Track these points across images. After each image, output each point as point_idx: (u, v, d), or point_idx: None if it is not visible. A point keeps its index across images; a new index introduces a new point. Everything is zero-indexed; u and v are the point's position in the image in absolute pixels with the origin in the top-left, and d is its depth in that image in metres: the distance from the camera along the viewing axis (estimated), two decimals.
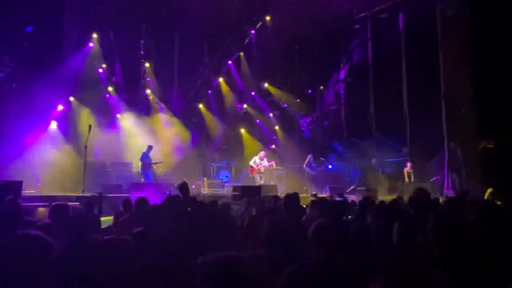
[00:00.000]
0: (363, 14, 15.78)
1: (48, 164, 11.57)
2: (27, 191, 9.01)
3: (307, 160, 13.91)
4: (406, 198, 7.06)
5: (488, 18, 10.62)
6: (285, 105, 17.88)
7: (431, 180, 12.55)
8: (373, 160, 14.59)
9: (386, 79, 14.87)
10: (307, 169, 13.81)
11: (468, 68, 11.51)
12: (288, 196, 4.86)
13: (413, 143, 13.76)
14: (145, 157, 12.82)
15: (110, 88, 14.59)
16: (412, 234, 2.77)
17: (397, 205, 4.84)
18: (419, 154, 13.10)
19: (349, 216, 4.88)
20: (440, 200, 6.54)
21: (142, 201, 5.24)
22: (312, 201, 5.02)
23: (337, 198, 8.01)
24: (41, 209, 6.90)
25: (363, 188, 12.63)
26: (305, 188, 13.16)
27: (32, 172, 11.09)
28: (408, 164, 12.62)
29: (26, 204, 6.90)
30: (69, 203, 7.04)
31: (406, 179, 12.44)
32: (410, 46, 14.08)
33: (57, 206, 4.07)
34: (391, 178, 13.86)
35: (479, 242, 2.48)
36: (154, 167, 13.08)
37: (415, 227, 2.82)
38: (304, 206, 5.29)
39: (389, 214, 3.66)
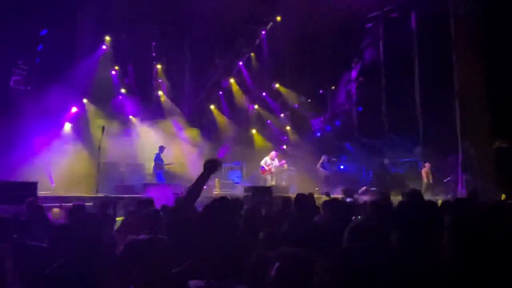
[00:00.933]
0: (374, 13, 15.69)
1: (62, 165, 11.74)
2: (42, 192, 9.16)
3: (321, 161, 13.87)
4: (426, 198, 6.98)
5: (501, 16, 10.48)
6: (296, 106, 17.84)
7: (444, 180, 12.41)
8: (386, 160, 14.47)
9: (398, 79, 14.76)
10: (320, 169, 13.77)
11: (482, 67, 11.36)
12: (299, 196, 4.87)
13: (426, 143, 13.63)
14: (157, 158, 12.94)
15: (122, 90, 14.74)
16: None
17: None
18: (432, 154, 12.97)
19: (359, 217, 4.85)
20: (439, 201, 6.39)
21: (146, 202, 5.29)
22: (324, 202, 5.01)
23: (346, 199, 7.96)
24: (55, 209, 6.99)
25: (376, 188, 12.53)
26: (316, 188, 13.12)
27: (47, 173, 11.27)
28: (427, 165, 12.48)
29: (42, 204, 7.02)
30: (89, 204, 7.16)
31: (425, 180, 12.30)
32: (422, 45, 13.96)
33: (75, 207, 4.14)
34: (404, 178, 13.73)
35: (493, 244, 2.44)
36: (167, 168, 13.17)
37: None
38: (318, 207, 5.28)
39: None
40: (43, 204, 7.10)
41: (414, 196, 4.02)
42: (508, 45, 10.24)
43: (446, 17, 12.67)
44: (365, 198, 9.62)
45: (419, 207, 3.71)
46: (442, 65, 12.73)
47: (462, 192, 11.19)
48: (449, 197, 9.40)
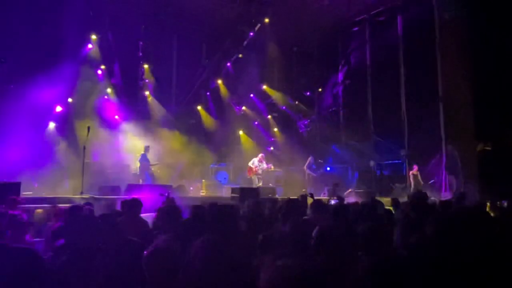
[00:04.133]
0: (361, 17, 15.82)
1: (46, 166, 11.54)
2: (25, 193, 8.98)
3: (307, 162, 13.94)
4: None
5: (486, 21, 10.68)
6: (284, 107, 17.90)
7: (429, 182, 12.59)
8: (371, 163, 14.61)
9: (384, 82, 14.91)
10: (307, 170, 13.84)
11: (466, 71, 11.56)
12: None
13: (411, 145, 13.80)
14: (143, 159, 12.83)
15: (108, 90, 14.57)
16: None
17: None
18: (417, 157, 13.14)
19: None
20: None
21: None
22: (312, 203, 5.03)
23: (331, 202, 8.00)
24: (38, 210, 6.87)
25: (361, 190, 12.65)
26: (303, 190, 13.17)
27: (30, 174, 11.06)
28: (415, 167, 12.59)
29: (25, 205, 6.88)
30: (67, 205, 7.04)
31: (410, 181, 12.43)
32: (408, 49, 14.13)
33: (74, 208, 4.10)
34: (389, 180, 13.89)
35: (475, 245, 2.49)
36: (153, 168, 13.07)
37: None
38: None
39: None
40: (26, 205, 6.99)
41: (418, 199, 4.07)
42: (493, 49, 10.45)
43: (432, 22, 12.87)
44: (351, 199, 9.72)
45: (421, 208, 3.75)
46: (427, 69, 12.92)
47: (446, 194, 11.36)
48: (433, 199, 9.52)
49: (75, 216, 3.88)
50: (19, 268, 1.92)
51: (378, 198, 9.63)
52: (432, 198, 9.36)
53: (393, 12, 14.75)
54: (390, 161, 14.60)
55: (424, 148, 13.00)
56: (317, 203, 4.98)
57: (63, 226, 3.41)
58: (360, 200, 6.74)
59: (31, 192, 10.02)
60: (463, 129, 11.74)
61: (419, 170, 12.46)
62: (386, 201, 7.02)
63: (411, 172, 12.56)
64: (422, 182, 12.27)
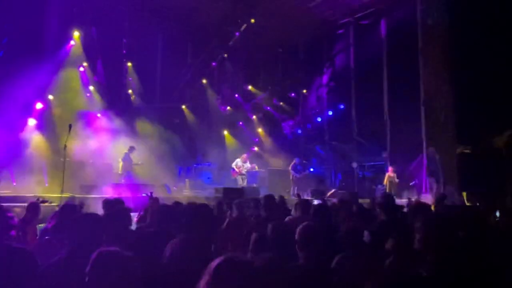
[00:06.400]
0: (346, 20, 15.98)
1: (25, 164, 11.29)
2: (3, 191, 8.77)
3: (292, 163, 14.00)
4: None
5: (468, 26, 10.92)
6: (268, 108, 17.94)
7: (410, 184, 12.79)
8: (354, 164, 14.77)
9: (367, 85, 15.10)
10: (292, 171, 13.89)
11: (448, 76, 11.79)
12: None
13: (393, 147, 14.00)
14: (127, 158, 12.67)
15: (91, 87, 14.34)
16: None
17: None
18: (398, 159, 13.35)
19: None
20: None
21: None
22: (296, 203, 5.06)
23: (314, 201, 8.05)
24: (17, 209, 6.72)
25: (344, 191, 12.77)
26: (287, 190, 13.23)
27: (8, 172, 10.81)
28: (390, 169, 12.79)
29: (2, 204, 6.72)
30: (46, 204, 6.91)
31: (385, 182, 12.61)
32: (391, 52, 14.32)
33: (67, 206, 4.01)
34: (371, 181, 14.07)
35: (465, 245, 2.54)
36: (136, 168, 12.93)
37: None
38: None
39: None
40: (4, 203, 6.82)
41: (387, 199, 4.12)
42: (474, 54, 10.68)
43: (415, 26, 13.08)
44: (334, 200, 9.80)
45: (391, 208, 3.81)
46: (409, 73, 13.11)
47: (426, 196, 11.55)
48: (414, 200, 9.68)
49: (72, 215, 3.80)
50: (14, 268, 1.88)
51: (360, 199, 9.75)
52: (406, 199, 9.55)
53: (377, 16, 14.94)
54: (372, 163, 14.79)
55: (406, 150, 13.21)
56: (303, 203, 5.03)
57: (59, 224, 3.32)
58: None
59: (9, 191, 9.79)
60: (443, 132, 11.97)
61: (396, 171, 12.64)
62: (366, 202, 7.11)
63: (387, 174, 12.75)
64: (396, 182, 12.43)
